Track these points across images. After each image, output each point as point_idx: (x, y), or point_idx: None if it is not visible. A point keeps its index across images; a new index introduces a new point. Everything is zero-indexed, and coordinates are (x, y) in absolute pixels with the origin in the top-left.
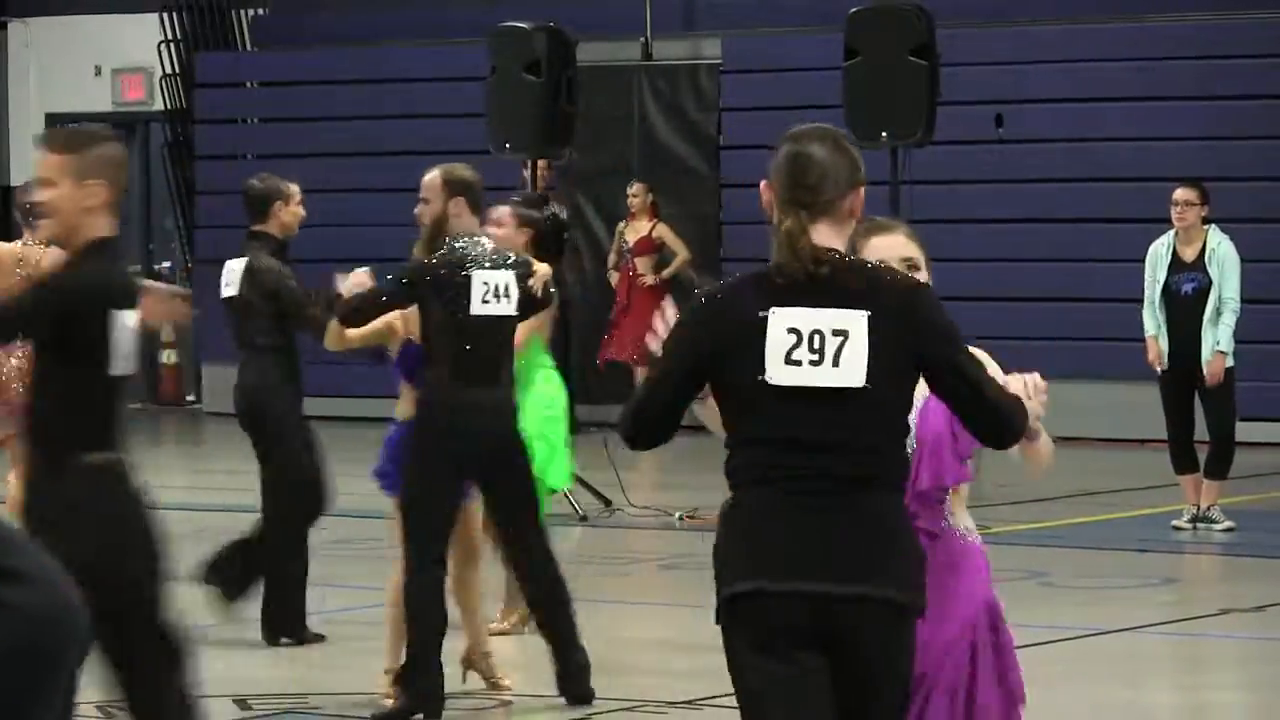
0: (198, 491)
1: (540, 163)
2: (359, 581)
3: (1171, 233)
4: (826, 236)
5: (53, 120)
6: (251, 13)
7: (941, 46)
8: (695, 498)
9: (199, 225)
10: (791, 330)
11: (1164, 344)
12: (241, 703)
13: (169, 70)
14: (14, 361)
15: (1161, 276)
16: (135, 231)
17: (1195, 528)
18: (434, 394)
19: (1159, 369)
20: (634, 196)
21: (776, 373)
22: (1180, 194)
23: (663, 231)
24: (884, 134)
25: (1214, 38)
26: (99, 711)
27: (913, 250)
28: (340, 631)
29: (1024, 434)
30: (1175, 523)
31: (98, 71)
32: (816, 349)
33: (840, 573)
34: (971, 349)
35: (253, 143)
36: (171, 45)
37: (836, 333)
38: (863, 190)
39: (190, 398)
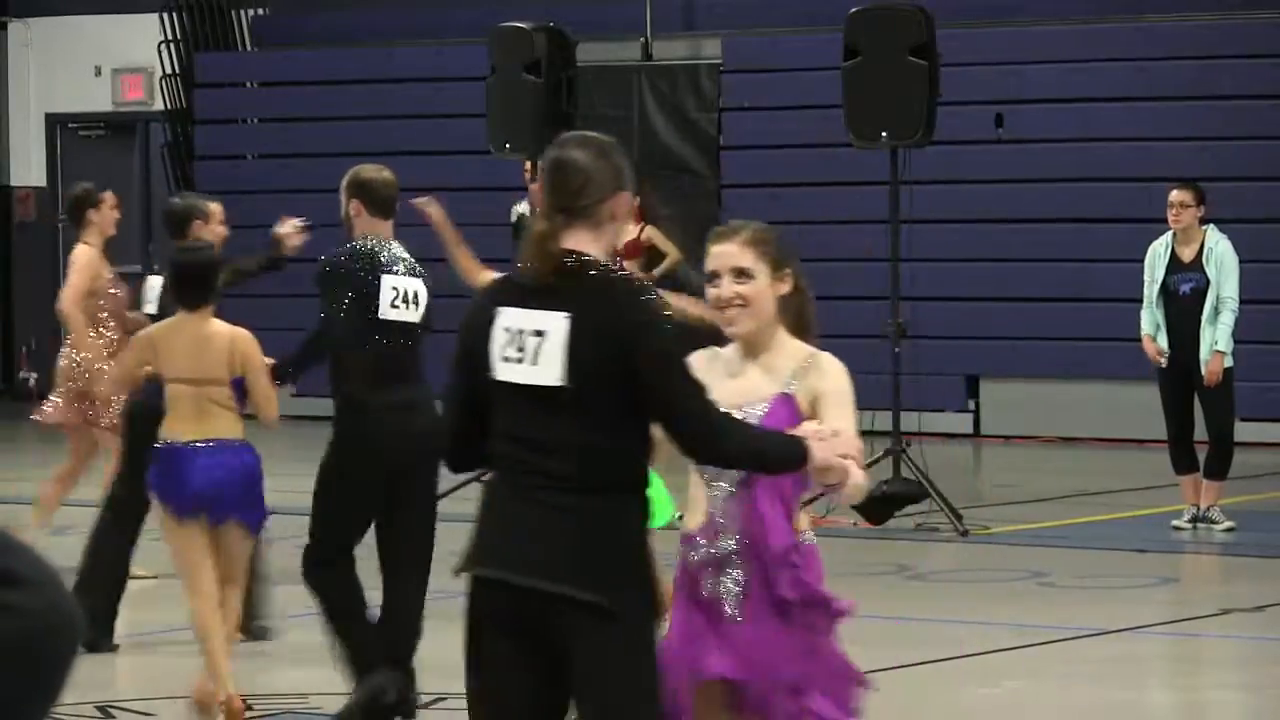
0: None
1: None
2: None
3: (1170, 233)
4: (582, 241)
5: (53, 120)
6: (251, 13)
7: (941, 46)
8: None
9: None
10: (507, 329)
11: (1163, 343)
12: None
13: (169, 70)
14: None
15: (1160, 276)
16: (135, 232)
17: (1195, 528)
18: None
19: (1161, 363)
20: None
21: (497, 369)
22: (1175, 195)
23: (651, 233)
24: (884, 134)
25: (1214, 38)
26: (99, 711)
27: (746, 260)
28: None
29: (768, 468)
30: (1175, 523)
31: (98, 72)
32: (521, 348)
33: (528, 567)
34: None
35: (253, 143)
36: (171, 45)
37: (537, 332)
38: (626, 196)
39: None
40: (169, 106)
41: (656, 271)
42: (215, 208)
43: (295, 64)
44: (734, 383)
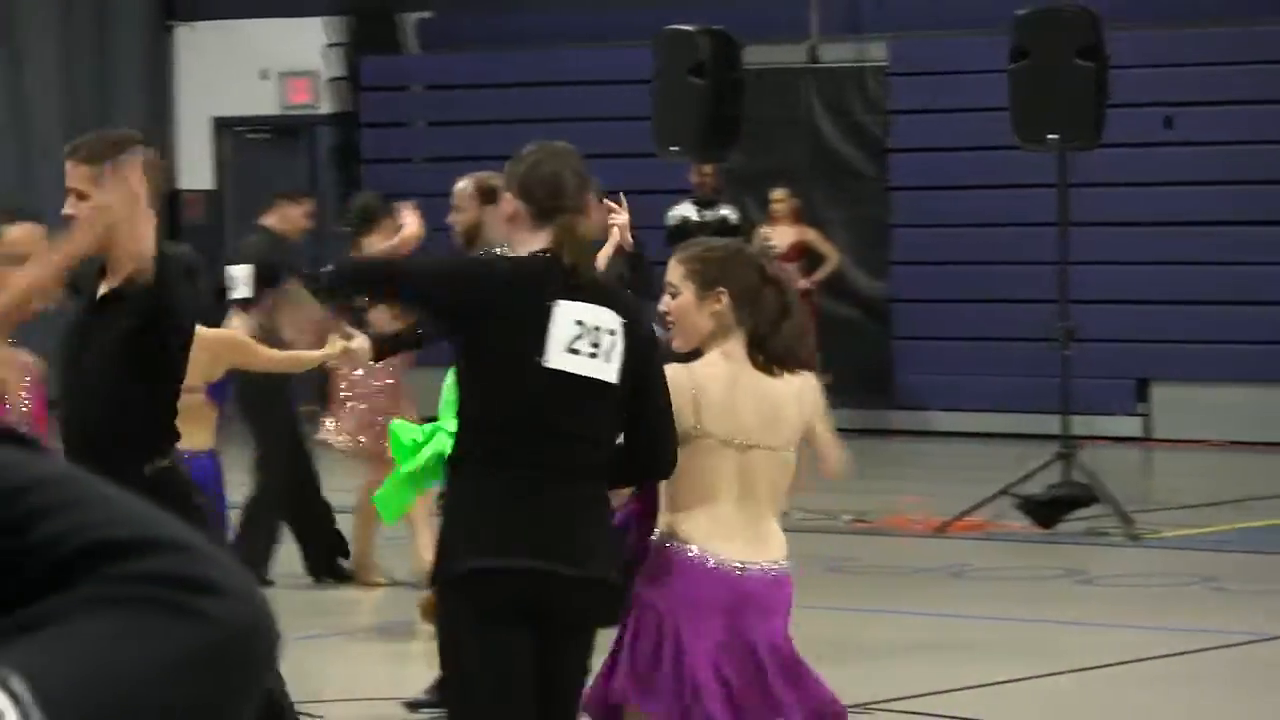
0: None
1: (708, 167)
2: None
3: None
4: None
5: (220, 124)
6: (417, 16)
7: (1109, 48)
8: (862, 501)
9: None
10: (579, 322)
11: None
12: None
13: (335, 74)
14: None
15: None
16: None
17: None
18: None
19: None
20: (778, 202)
21: (554, 358)
22: None
23: (811, 236)
24: (1051, 136)
25: None
26: None
27: (674, 276)
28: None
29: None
30: None
31: (264, 75)
32: (597, 344)
33: (554, 553)
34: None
35: (418, 146)
36: (337, 49)
37: (611, 331)
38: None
39: None
40: (335, 110)
41: (818, 274)
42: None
43: (460, 67)
44: None
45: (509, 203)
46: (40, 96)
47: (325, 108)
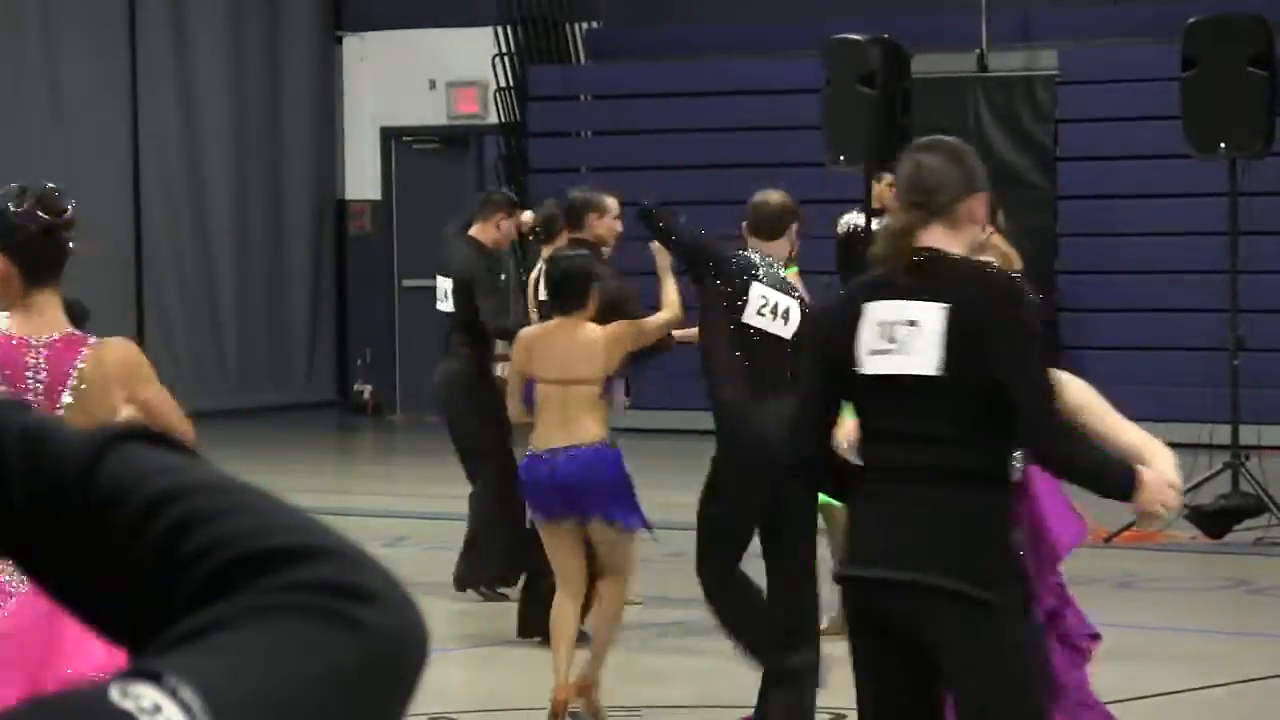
0: None
1: (887, 177)
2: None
3: None
4: (938, 238)
5: (387, 134)
6: (586, 26)
7: None
8: None
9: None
10: (880, 323)
11: None
12: (574, 715)
13: (503, 84)
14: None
15: None
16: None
17: None
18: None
19: None
20: None
21: (865, 363)
22: None
23: (996, 240)
24: (1222, 145)
25: None
26: None
27: None
28: (675, 645)
29: (1098, 488)
30: None
31: (432, 85)
32: (893, 338)
33: (897, 560)
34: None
35: (586, 156)
36: (505, 59)
37: (910, 322)
38: (982, 198)
39: None
40: (503, 120)
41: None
42: (611, 202)
43: (628, 77)
44: None
45: (890, 196)
46: (210, 107)
47: (493, 118)
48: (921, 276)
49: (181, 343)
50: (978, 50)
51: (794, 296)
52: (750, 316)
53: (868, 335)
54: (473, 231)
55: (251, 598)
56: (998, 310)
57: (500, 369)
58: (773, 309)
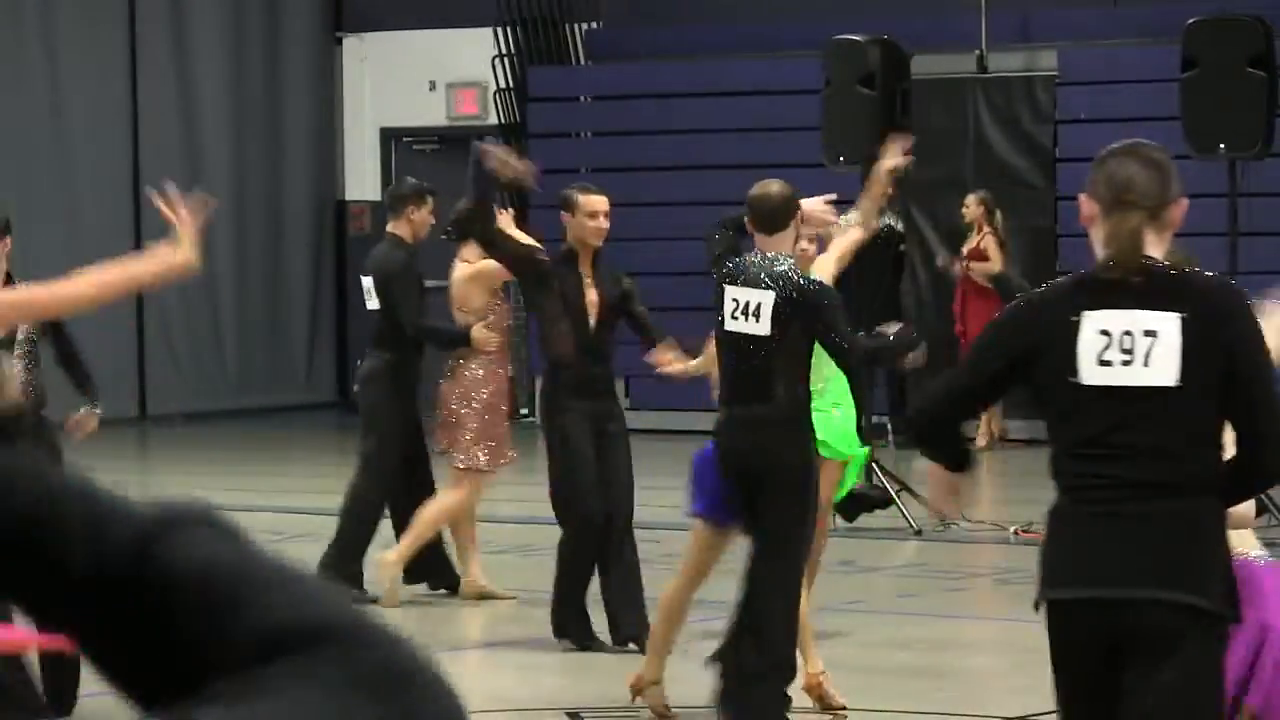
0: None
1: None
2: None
3: None
4: (1151, 244)
5: (387, 135)
6: (585, 27)
7: None
8: (1031, 512)
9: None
10: (1104, 331)
11: None
12: (574, 715)
13: (503, 85)
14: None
15: None
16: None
17: None
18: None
19: None
20: (967, 208)
21: (1089, 373)
22: None
23: (988, 242)
24: (1221, 146)
25: None
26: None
27: None
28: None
29: None
30: None
31: (432, 86)
32: (1129, 349)
33: (1131, 578)
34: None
35: (586, 157)
36: (505, 60)
37: (1148, 333)
38: (1184, 203)
39: (524, 411)
40: (502, 121)
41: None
42: (584, 199)
43: (628, 78)
44: None
45: (1085, 203)
46: (210, 107)
47: (492, 119)
48: (1148, 283)
49: (181, 343)
50: (977, 51)
51: (780, 287)
52: (728, 323)
53: (1092, 344)
54: (389, 228)
55: (295, 667)
56: (1234, 322)
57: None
58: (744, 309)
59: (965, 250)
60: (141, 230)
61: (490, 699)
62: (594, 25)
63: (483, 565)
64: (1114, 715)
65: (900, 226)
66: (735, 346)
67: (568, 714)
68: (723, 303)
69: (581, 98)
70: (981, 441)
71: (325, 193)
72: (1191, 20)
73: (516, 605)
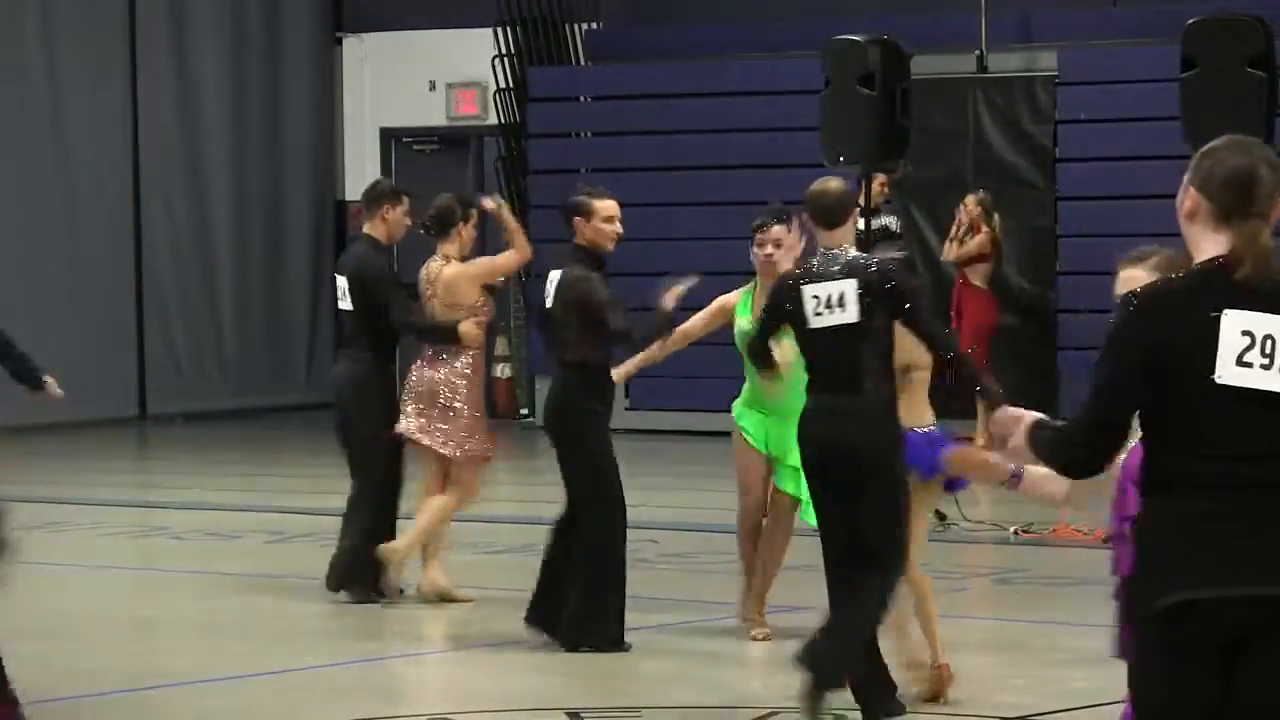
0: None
1: (880, 177)
2: (710, 596)
3: None
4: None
5: (387, 135)
6: (585, 27)
7: None
8: (1030, 512)
9: (532, 239)
10: (1246, 332)
11: None
12: (574, 716)
13: (503, 85)
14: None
15: None
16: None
17: None
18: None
19: None
20: (964, 208)
21: (1228, 373)
22: None
23: (981, 241)
24: None
25: None
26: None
27: None
28: (675, 645)
29: None
30: None
31: (432, 86)
32: (1269, 354)
33: (1267, 575)
34: None
35: (586, 157)
36: (505, 60)
37: None
38: None
39: (524, 411)
40: (502, 121)
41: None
42: (600, 205)
43: (628, 78)
44: None
45: (1190, 196)
46: (210, 107)
47: (492, 119)
48: (1277, 289)
49: (181, 343)
50: (977, 51)
51: (856, 278)
52: (814, 322)
53: (1233, 344)
54: (365, 229)
55: None
56: None
57: (499, 370)
58: (826, 303)
59: (950, 244)
60: (141, 231)
61: (491, 699)
62: (594, 25)
63: (447, 565)
64: (1222, 715)
65: (896, 226)
66: (823, 343)
67: (568, 714)
68: (802, 307)
69: (581, 98)
70: (981, 441)
71: (325, 193)
72: (1191, 20)
73: (516, 605)
